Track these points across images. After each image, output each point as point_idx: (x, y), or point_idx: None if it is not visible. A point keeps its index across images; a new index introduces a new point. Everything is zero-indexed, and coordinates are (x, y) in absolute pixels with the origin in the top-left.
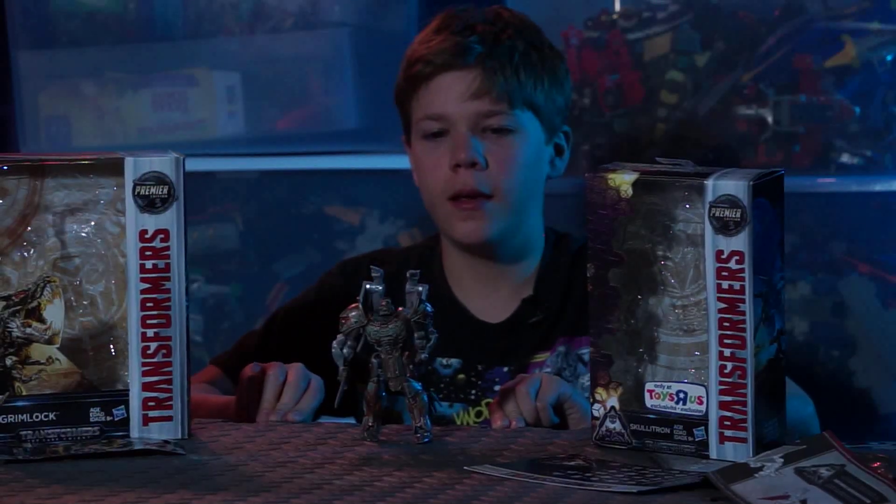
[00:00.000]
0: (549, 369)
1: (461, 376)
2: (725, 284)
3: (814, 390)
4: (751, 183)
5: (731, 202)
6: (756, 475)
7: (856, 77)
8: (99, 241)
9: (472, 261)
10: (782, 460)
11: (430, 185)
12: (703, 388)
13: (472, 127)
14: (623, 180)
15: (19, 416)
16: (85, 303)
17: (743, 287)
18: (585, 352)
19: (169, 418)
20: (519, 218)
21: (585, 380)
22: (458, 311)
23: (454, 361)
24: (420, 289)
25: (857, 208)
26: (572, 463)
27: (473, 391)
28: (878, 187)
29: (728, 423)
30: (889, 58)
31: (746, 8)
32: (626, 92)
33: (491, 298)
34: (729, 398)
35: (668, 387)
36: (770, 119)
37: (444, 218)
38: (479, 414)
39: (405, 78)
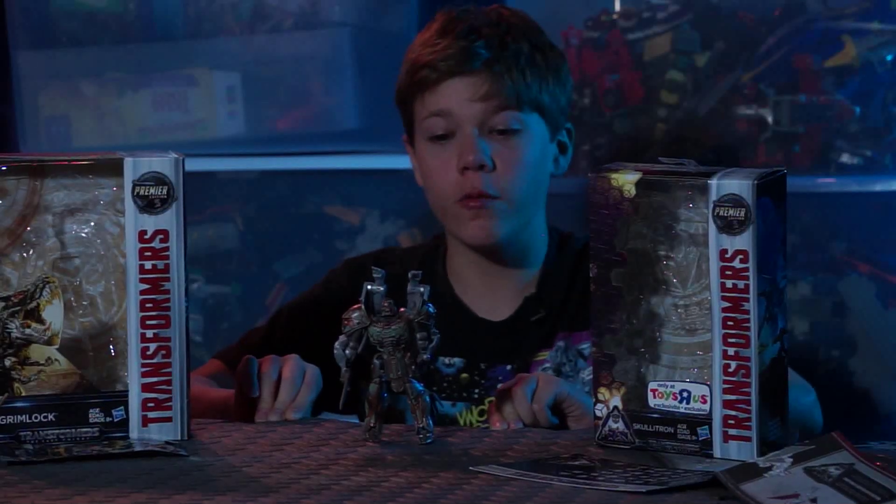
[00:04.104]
0: (548, 365)
1: (464, 375)
2: (729, 283)
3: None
4: (755, 182)
5: (735, 201)
6: (765, 475)
7: (856, 77)
8: (99, 241)
9: (477, 260)
10: (791, 460)
11: (438, 188)
12: (706, 388)
13: (479, 128)
14: (626, 180)
15: (18, 416)
16: (85, 303)
17: (747, 286)
18: (585, 346)
19: (168, 419)
20: (525, 218)
21: (586, 374)
22: (461, 310)
23: (457, 360)
24: (422, 290)
25: (857, 208)
26: (577, 463)
27: (477, 390)
28: (878, 187)
29: (732, 421)
30: (889, 58)
31: (746, 8)
32: (626, 92)
33: (494, 297)
34: (733, 397)
35: (672, 386)
36: (770, 119)
37: (453, 219)
38: (482, 413)
39: (410, 82)
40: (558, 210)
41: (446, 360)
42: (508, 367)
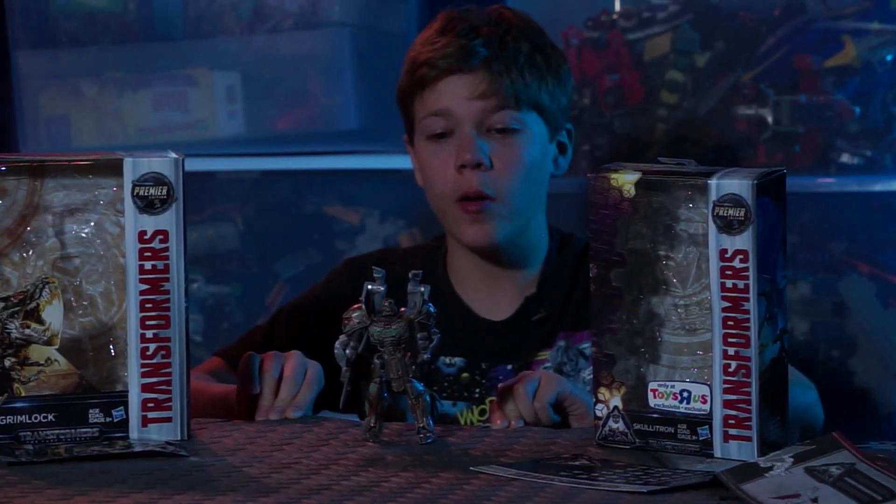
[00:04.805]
0: (549, 364)
1: (465, 375)
2: (729, 283)
3: None
4: (754, 182)
5: (735, 201)
6: (766, 475)
7: (856, 77)
8: (98, 241)
9: (477, 261)
10: (792, 460)
11: (436, 186)
12: (706, 387)
13: (478, 127)
14: (626, 180)
15: (18, 417)
16: (85, 303)
17: (747, 286)
18: (586, 346)
19: (168, 419)
20: (524, 218)
21: (587, 374)
22: (462, 309)
23: (458, 360)
24: (422, 289)
25: (857, 208)
26: (577, 463)
27: (477, 389)
28: (878, 187)
29: (732, 421)
30: (889, 58)
31: (746, 8)
32: (626, 92)
33: (495, 297)
34: (733, 397)
35: (672, 386)
36: (770, 119)
37: (452, 221)
38: (483, 412)
39: (410, 80)
40: (558, 210)
41: (447, 360)
42: (509, 366)
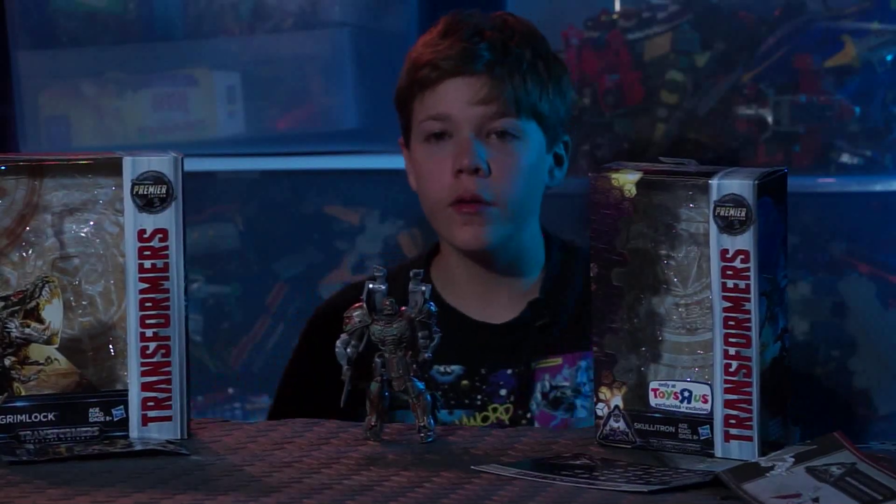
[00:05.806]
0: (567, 384)
1: (465, 382)
2: (730, 283)
3: (814, 390)
4: (756, 182)
5: (737, 201)
6: (767, 474)
7: (856, 77)
8: (98, 241)
9: (470, 266)
10: (793, 459)
11: (432, 190)
12: (707, 387)
13: (477, 131)
14: (627, 179)
15: (18, 416)
16: (84, 303)
17: (748, 286)
18: None
19: (168, 418)
20: (517, 225)
21: None
22: (454, 315)
23: (455, 368)
24: (423, 288)
25: (857, 208)
26: (578, 462)
27: (479, 396)
28: (878, 187)
29: (733, 421)
30: (889, 58)
31: (746, 8)
32: (626, 92)
33: (489, 301)
34: (734, 396)
35: (673, 385)
36: (770, 119)
37: (444, 224)
38: (485, 419)
39: (410, 81)
40: (558, 210)
41: (441, 369)
42: (509, 371)
